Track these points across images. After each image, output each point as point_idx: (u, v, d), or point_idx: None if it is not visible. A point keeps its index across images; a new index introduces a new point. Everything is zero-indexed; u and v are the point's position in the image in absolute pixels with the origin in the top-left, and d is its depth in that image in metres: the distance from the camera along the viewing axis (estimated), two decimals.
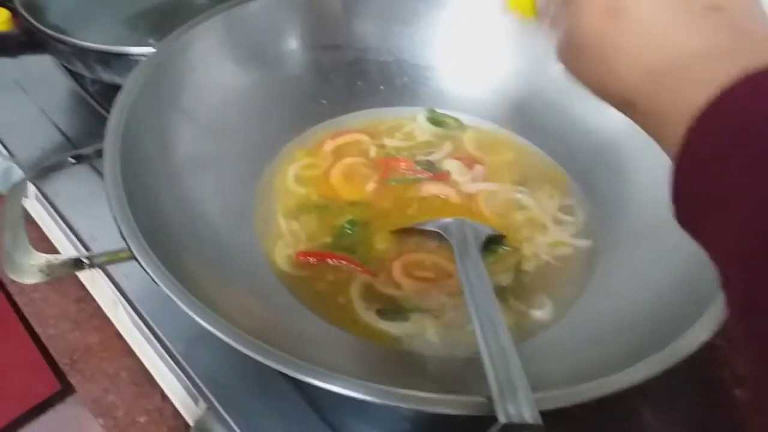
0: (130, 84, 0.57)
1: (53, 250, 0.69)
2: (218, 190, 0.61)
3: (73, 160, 0.63)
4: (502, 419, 0.35)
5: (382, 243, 0.62)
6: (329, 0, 0.78)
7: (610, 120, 0.67)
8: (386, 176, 0.69)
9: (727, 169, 0.25)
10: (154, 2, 0.86)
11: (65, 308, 0.64)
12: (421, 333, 0.54)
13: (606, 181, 0.66)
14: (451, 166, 0.70)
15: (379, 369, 0.52)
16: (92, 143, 0.70)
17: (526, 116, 0.74)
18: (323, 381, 0.38)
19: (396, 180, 0.69)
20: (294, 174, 0.68)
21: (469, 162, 0.71)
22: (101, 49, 0.74)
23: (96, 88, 0.84)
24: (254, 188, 0.65)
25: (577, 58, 0.34)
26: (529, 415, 0.36)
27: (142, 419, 0.56)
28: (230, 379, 0.53)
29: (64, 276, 0.49)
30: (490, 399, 0.37)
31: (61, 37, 0.74)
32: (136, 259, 0.44)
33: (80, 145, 0.74)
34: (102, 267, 0.54)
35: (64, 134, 0.77)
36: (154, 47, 0.63)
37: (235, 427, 0.50)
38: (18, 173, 0.71)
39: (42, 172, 0.64)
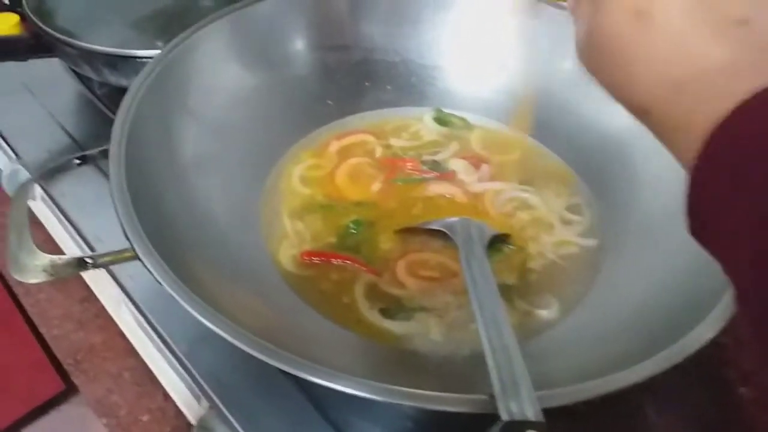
0: (136, 85, 0.57)
1: (59, 251, 0.69)
2: (223, 191, 0.61)
3: (78, 161, 0.63)
4: (505, 417, 0.35)
5: (386, 243, 0.61)
6: (336, 1, 0.78)
7: (618, 120, 0.66)
8: (392, 176, 0.69)
9: (745, 181, 0.25)
10: (161, 5, 0.87)
11: (69, 309, 0.65)
12: (425, 332, 0.54)
13: (613, 180, 0.66)
14: (457, 165, 0.70)
15: (382, 368, 0.52)
16: (99, 146, 0.71)
17: (533, 116, 0.74)
18: (327, 380, 0.38)
19: (402, 180, 0.68)
20: (299, 174, 0.68)
21: (476, 161, 0.70)
22: (108, 52, 0.74)
23: (103, 91, 0.84)
24: (259, 189, 0.65)
25: (596, 58, 0.33)
26: (531, 412, 0.35)
27: (145, 418, 0.56)
28: (233, 378, 0.53)
29: (69, 276, 0.49)
30: (492, 397, 0.37)
31: (69, 40, 0.75)
32: (140, 259, 0.44)
33: (87, 147, 0.74)
34: (106, 267, 0.54)
35: (71, 137, 0.77)
36: (160, 49, 0.63)
37: (238, 426, 0.50)
38: (24, 175, 0.71)
39: (48, 173, 0.65)
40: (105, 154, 0.52)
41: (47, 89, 0.84)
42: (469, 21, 0.77)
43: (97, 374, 0.59)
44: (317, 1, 0.76)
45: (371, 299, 0.57)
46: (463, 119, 0.76)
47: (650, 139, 0.31)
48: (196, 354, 0.55)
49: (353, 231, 0.62)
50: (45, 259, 0.47)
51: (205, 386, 0.53)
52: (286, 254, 0.60)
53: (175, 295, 0.41)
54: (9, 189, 0.71)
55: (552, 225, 0.64)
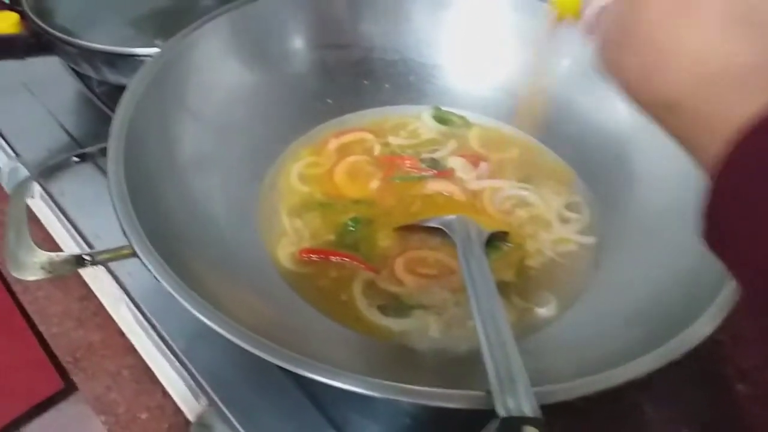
0: (135, 83, 0.57)
1: (57, 249, 0.69)
2: (222, 189, 0.61)
3: (77, 159, 0.63)
4: (502, 413, 0.35)
5: (385, 240, 0.62)
6: None
7: (617, 118, 0.67)
8: (390, 174, 0.69)
9: None
10: (160, 4, 0.87)
11: (68, 306, 0.65)
12: (423, 329, 0.54)
13: (612, 179, 0.66)
14: (456, 163, 0.70)
15: (380, 365, 0.52)
16: (98, 144, 0.71)
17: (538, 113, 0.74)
18: (325, 377, 0.38)
19: (400, 178, 0.69)
20: (298, 172, 0.68)
21: (474, 159, 0.71)
22: (107, 50, 0.74)
23: (102, 89, 0.84)
24: (258, 186, 0.66)
25: (626, 48, 0.32)
26: (528, 408, 0.35)
27: (144, 416, 0.56)
28: (231, 376, 0.53)
29: (67, 273, 0.49)
30: (489, 393, 0.37)
31: (68, 39, 0.75)
32: (138, 256, 0.44)
33: (86, 145, 0.74)
34: (104, 264, 0.54)
35: (70, 135, 0.77)
36: (159, 47, 0.63)
37: (236, 423, 0.50)
38: (23, 173, 0.71)
39: (46, 171, 0.65)
40: (104, 152, 0.51)
41: (46, 87, 0.84)
42: (468, 19, 0.77)
43: (96, 372, 0.59)
44: None
45: (369, 296, 0.57)
46: (461, 117, 0.76)
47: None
48: (194, 351, 0.55)
49: (352, 228, 0.63)
50: (43, 256, 0.47)
51: (204, 383, 0.53)
52: (285, 252, 0.60)
53: (173, 292, 0.42)
54: (8, 187, 0.71)
55: (550, 223, 0.64)
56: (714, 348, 0.58)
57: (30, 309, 0.66)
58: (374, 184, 0.68)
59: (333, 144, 0.72)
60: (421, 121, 0.76)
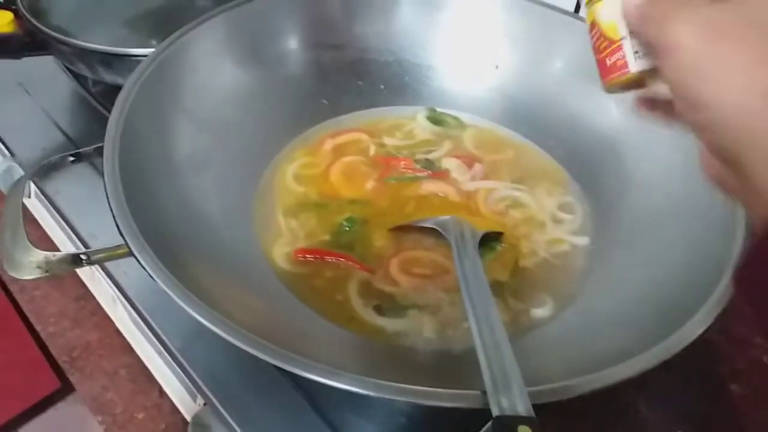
0: (130, 83, 0.57)
1: (53, 248, 0.69)
2: (218, 189, 0.61)
3: (72, 159, 0.63)
4: (495, 412, 0.35)
5: (380, 240, 0.62)
6: (330, 0, 0.78)
7: (610, 119, 0.67)
8: (385, 174, 0.69)
9: None
10: (155, 4, 0.87)
11: (65, 306, 0.65)
12: (418, 329, 0.54)
13: (605, 179, 0.67)
14: (451, 164, 0.71)
15: (376, 364, 0.52)
16: (93, 143, 0.71)
17: (526, 115, 0.74)
18: (321, 376, 0.38)
19: (395, 178, 0.69)
20: (293, 173, 0.68)
21: (469, 160, 0.71)
22: (103, 50, 0.74)
23: (98, 89, 0.84)
24: (254, 187, 0.66)
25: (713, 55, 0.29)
26: (522, 408, 0.36)
27: (140, 415, 0.56)
28: (227, 375, 0.53)
29: (64, 272, 0.49)
30: (483, 392, 0.37)
31: (64, 38, 0.75)
32: (134, 256, 0.44)
33: (82, 145, 0.74)
34: (100, 264, 0.55)
35: (66, 135, 0.77)
36: (155, 47, 0.63)
37: (233, 423, 0.51)
38: (19, 172, 0.71)
39: (42, 170, 0.65)
40: (99, 151, 0.52)
41: (42, 87, 0.84)
42: (463, 21, 0.77)
43: (93, 372, 0.59)
44: (311, 0, 0.77)
45: (365, 296, 0.57)
46: (456, 118, 0.76)
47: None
48: (190, 351, 0.55)
49: (347, 229, 0.63)
50: (39, 255, 0.47)
51: (200, 383, 0.53)
52: (280, 252, 0.60)
53: (169, 291, 0.42)
54: (3, 186, 0.71)
55: (544, 223, 0.65)
56: (708, 348, 0.58)
57: (27, 308, 0.66)
58: (369, 184, 0.68)
59: (328, 144, 0.72)
60: (416, 121, 0.76)
